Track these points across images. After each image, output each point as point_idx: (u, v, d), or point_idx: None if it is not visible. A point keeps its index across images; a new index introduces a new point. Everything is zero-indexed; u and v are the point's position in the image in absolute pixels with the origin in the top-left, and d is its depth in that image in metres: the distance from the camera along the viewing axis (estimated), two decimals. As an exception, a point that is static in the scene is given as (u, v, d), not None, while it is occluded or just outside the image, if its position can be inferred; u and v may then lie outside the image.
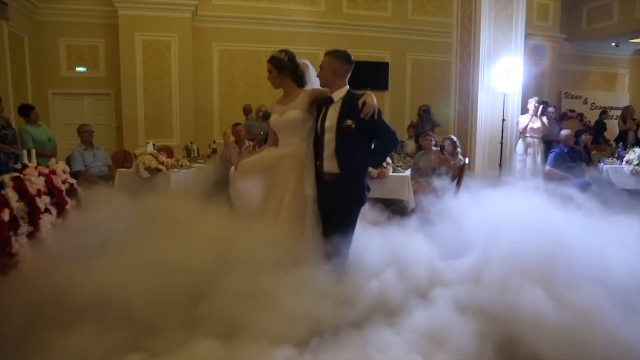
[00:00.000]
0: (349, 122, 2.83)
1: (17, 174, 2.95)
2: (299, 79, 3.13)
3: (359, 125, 2.83)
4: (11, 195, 2.56)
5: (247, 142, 5.92)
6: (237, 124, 6.01)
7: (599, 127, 9.83)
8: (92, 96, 10.07)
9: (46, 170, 3.31)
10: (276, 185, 3.00)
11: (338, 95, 2.95)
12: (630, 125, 8.63)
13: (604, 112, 10.32)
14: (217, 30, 10.31)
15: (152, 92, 9.56)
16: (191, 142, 6.50)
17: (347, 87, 2.99)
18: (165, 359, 2.06)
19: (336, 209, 2.90)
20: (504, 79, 6.51)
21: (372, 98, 2.87)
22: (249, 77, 10.71)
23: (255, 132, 6.61)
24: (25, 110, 5.85)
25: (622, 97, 12.65)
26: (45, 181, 3.14)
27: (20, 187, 2.69)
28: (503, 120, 6.57)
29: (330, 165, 2.94)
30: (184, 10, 9.57)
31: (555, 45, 11.68)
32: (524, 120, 6.85)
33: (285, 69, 3.10)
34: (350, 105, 2.89)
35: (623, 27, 11.02)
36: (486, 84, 6.61)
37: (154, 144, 5.47)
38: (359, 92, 2.96)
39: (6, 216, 2.39)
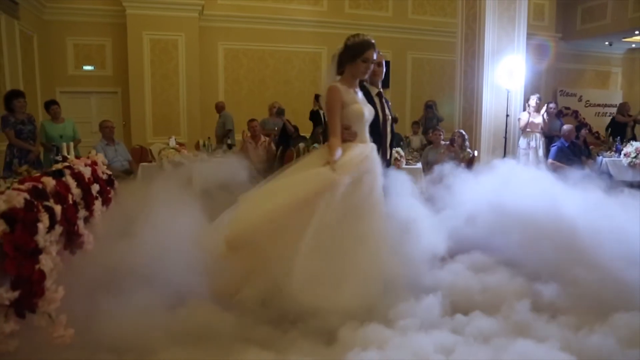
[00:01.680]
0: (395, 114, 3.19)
1: (67, 163, 3.15)
2: None
3: None
4: (71, 182, 2.76)
5: (262, 138, 6.12)
6: (253, 120, 6.21)
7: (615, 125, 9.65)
8: (99, 94, 10.22)
9: (89, 161, 3.50)
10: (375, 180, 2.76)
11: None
12: (626, 120, 8.95)
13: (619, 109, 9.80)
14: (222, 30, 10.49)
15: (160, 91, 9.73)
16: (209, 138, 6.71)
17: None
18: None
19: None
20: (508, 77, 6.79)
21: None
22: (254, 76, 10.92)
23: (269, 127, 6.82)
24: (47, 106, 6.02)
25: (615, 95, 13.00)
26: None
27: (77, 175, 2.89)
28: (507, 115, 6.84)
29: (388, 152, 3.30)
30: (190, 9, 9.75)
31: (551, 44, 12.00)
32: (524, 117, 7.12)
33: None
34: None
35: (616, 27, 11.35)
36: (490, 81, 6.88)
37: (175, 139, 5.65)
38: None
39: (70, 200, 2.59)
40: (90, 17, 9.78)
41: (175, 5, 9.59)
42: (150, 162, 5.58)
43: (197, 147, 7.14)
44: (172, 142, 5.42)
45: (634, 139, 7.52)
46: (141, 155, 6.49)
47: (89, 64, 10.02)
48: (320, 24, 11.04)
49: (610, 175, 6.45)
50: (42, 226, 2.11)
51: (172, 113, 9.87)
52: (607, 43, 12.37)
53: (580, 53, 12.94)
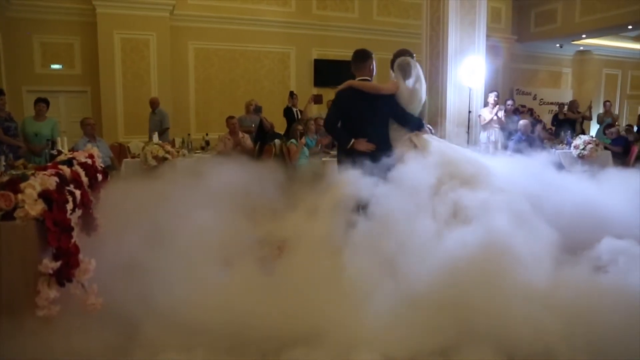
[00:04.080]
0: None
1: (71, 155, 3.33)
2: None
3: None
4: (80, 171, 2.96)
5: (240, 134, 6.36)
6: (232, 117, 6.44)
7: (558, 121, 10.42)
8: (68, 94, 10.14)
9: (86, 154, 3.68)
10: None
11: None
12: (575, 117, 9.71)
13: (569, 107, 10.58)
14: (192, 30, 10.60)
15: (131, 90, 9.74)
16: (188, 134, 6.89)
17: (355, 79, 3.64)
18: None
19: None
20: (469, 76, 7.29)
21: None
22: (224, 75, 11.08)
23: (246, 124, 7.05)
24: (35, 102, 6.09)
25: (566, 94, 13.88)
26: (89, 163, 3.52)
27: (84, 165, 3.09)
28: (469, 112, 7.35)
29: None
30: (161, 9, 9.82)
31: (507, 45, 12.72)
32: (485, 113, 7.67)
33: None
34: None
35: (566, 30, 12.20)
36: (453, 80, 7.36)
37: (159, 135, 5.82)
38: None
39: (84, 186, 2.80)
40: (57, 15, 9.70)
41: (146, 4, 9.65)
42: (133, 157, 5.73)
43: (172, 144, 7.31)
44: (156, 138, 5.60)
45: (583, 133, 8.19)
46: (120, 152, 6.61)
47: (56, 63, 9.94)
48: (288, 24, 11.32)
49: (562, 166, 7.05)
50: (69, 208, 2.33)
51: (144, 112, 9.81)
52: (558, 45, 13.23)
53: (534, 54, 13.76)
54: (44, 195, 2.13)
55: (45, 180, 2.21)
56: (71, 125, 9.38)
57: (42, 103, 6.08)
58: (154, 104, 8.59)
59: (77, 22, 9.77)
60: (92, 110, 10.08)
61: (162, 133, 7.99)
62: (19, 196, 2.06)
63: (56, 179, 2.29)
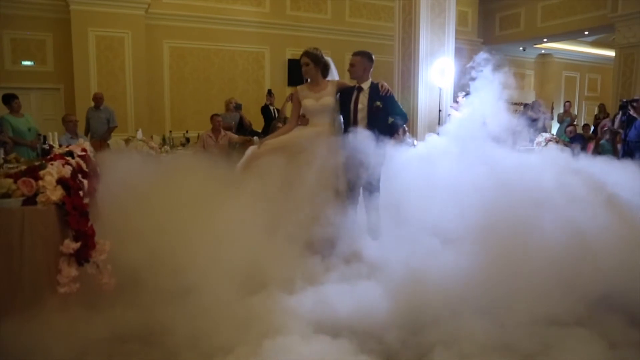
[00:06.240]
0: (378, 103, 3.74)
1: (67, 149, 3.47)
2: (325, 71, 3.91)
3: (384, 105, 3.74)
4: (81, 162, 3.11)
5: (222, 132, 6.53)
6: (217, 115, 6.60)
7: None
8: (40, 91, 10.02)
9: (80, 148, 3.82)
10: (310, 156, 3.60)
11: (366, 85, 3.86)
12: (538, 116, 10.26)
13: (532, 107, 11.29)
14: (167, 28, 10.63)
15: (106, 87, 9.68)
16: (170, 131, 7.00)
17: (371, 79, 3.90)
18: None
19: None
20: (439, 76, 7.67)
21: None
22: (199, 74, 11.15)
23: (227, 122, 7.21)
24: (7, 100, 6.05)
25: (529, 94, 14.53)
26: (84, 156, 3.66)
27: (84, 157, 3.23)
28: (439, 110, 7.72)
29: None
30: (136, 7, 9.82)
31: (473, 48, 13.24)
32: (454, 112, 8.07)
33: (319, 62, 3.84)
34: (375, 92, 3.80)
35: (528, 34, 12.83)
36: (424, 80, 7.72)
37: (141, 132, 5.93)
38: (375, 81, 3.91)
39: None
40: (28, 10, 9.56)
41: (121, 2, 9.63)
42: (116, 153, 5.81)
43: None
44: (140, 135, 5.71)
45: (545, 131, 8.70)
46: (100, 149, 6.65)
47: (28, 59, 9.82)
48: (263, 24, 11.50)
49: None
50: (81, 194, 2.50)
51: (119, 109, 9.80)
52: (521, 48, 13.87)
53: (500, 57, 14.32)
54: (62, 182, 2.30)
55: (61, 168, 2.37)
56: (44, 123, 9.30)
57: (18, 99, 6.11)
58: (99, 100, 7.92)
59: (49, 18, 9.66)
60: (65, 108, 9.98)
61: (110, 132, 7.77)
62: (40, 183, 2.22)
63: (70, 167, 2.45)
